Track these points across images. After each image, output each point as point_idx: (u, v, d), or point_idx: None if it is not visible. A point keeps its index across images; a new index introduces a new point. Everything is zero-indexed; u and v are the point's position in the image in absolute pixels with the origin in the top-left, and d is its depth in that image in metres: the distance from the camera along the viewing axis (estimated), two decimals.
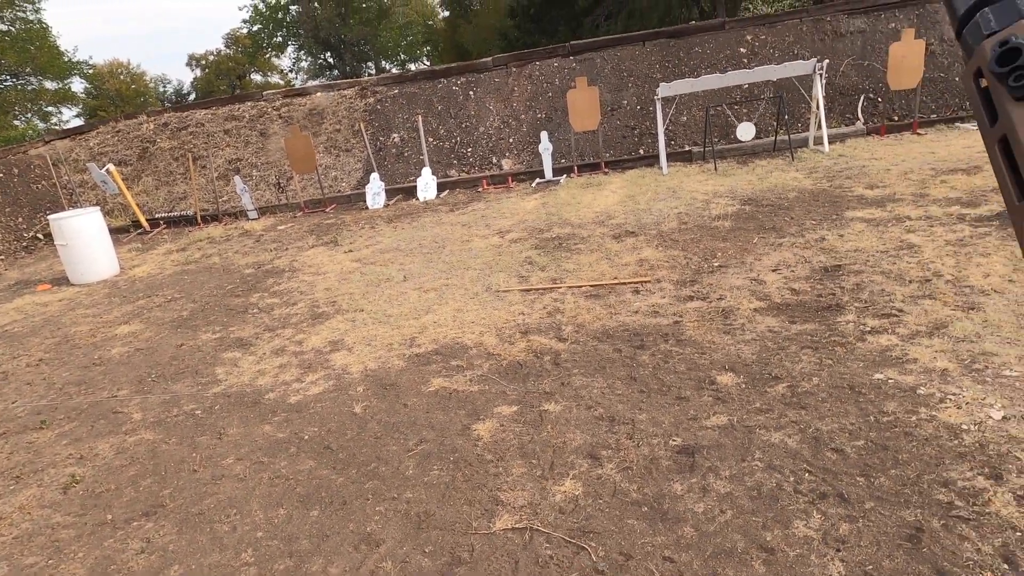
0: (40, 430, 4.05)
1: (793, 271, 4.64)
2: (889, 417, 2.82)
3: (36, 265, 9.20)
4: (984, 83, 0.40)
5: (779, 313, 4.02)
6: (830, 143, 8.42)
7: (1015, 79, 0.37)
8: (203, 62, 45.14)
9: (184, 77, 75.67)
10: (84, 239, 7.64)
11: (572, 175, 9.36)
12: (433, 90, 10.86)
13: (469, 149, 10.41)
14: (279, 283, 6.44)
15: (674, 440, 2.90)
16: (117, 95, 39.70)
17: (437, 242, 6.96)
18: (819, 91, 8.20)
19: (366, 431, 3.43)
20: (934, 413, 2.80)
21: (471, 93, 10.76)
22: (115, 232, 9.63)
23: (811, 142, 8.71)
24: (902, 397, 2.95)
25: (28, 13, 27.01)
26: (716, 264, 5.02)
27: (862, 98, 9.35)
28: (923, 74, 8.41)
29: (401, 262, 6.44)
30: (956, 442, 2.59)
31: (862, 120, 9.17)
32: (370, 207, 9.54)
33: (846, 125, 9.17)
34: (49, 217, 8.00)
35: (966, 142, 7.58)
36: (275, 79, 45.48)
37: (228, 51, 44.50)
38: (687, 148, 9.29)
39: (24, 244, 10.15)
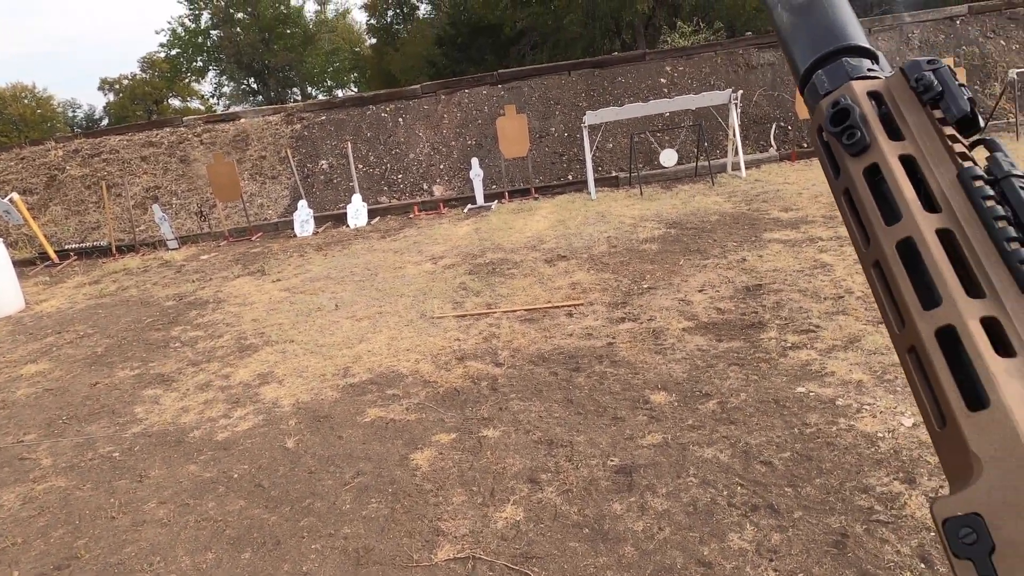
0: None
1: (718, 291, 4.83)
2: (812, 428, 2.96)
3: None
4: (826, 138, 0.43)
5: (707, 332, 4.17)
6: (747, 168, 8.88)
7: (847, 137, 0.41)
8: (116, 86, 43.34)
9: (96, 102, 72.19)
10: None
11: (503, 201, 9.47)
12: (362, 117, 10.80)
13: (400, 175, 10.37)
14: (203, 315, 6.18)
15: (612, 460, 2.95)
16: (21, 120, 37.55)
17: (369, 269, 6.87)
18: (735, 119, 8.65)
19: (300, 466, 3.32)
20: (852, 423, 2.96)
21: (400, 120, 10.76)
22: (20, 264, 9.01)
23: (729, 167, 9.15)
24: (823, 409, 3.10)
25: None
26: (645, 286, 5.17)
27: (773, 126, 9.92)
28: None
29: (333, 290, 6.31)
30: (873, 449, 2.75)
31: (774, 147, 9.71)
32: (299, 235, 9.33)
33: (760, 151, 9.69)
34: None
35: None
36: (195, 104, 44.10)
37: (144, 75, 42.89)
38: (614, 174, 9.58)
39: None
